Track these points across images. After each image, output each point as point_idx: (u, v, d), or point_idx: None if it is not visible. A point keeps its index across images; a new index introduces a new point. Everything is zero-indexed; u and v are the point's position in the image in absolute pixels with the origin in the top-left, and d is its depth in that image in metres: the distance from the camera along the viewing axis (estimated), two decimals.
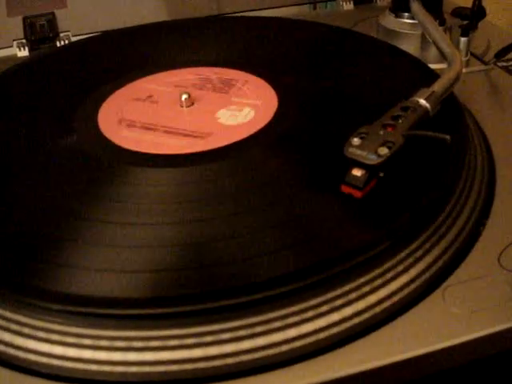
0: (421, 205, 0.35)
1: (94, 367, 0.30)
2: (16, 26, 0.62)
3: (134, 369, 0.30)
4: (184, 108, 0.45)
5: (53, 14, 0.62)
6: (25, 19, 0.62)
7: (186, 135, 0.42)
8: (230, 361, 0.30)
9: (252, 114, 0.44)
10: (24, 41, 0.62)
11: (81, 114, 0.45)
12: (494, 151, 0.44)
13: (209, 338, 0.30)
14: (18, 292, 0.32)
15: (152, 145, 0.41)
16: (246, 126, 0.43)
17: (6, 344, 0.32)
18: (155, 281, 0.32)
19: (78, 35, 0.63)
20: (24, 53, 0.62)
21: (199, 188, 0.37)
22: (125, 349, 0.30)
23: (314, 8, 0.72)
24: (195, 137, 0.42)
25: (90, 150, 0.41)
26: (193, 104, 0.46)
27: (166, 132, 0.43)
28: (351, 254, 0.32)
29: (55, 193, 0.38)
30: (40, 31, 0.62)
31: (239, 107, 0.45)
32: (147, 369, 0.30)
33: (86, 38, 0.60)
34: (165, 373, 0.30)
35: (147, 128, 0.43)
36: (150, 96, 0.47)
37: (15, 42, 0.62)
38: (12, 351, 0.31)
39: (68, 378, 0.30)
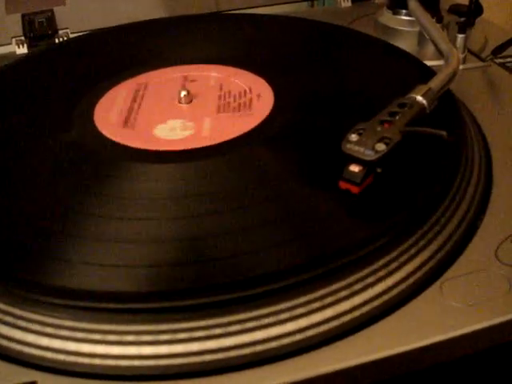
0: (418, 200, 0.35)
1: (94, 361, 0.30)
2: (15, 23, 0.62)
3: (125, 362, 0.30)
4: (183, 104, 0.46)
5: (51, 11, 0.62)
6: (23, 16, 0.62)
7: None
8: (232, 353, 0.30)
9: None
10: (23, 38, 0.62)
11: (78, 111, 0.46)
12: (491, 147, 0.44)
13: (218, 331, 0.31)
14: (14, 286, 0.32)
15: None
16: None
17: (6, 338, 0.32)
18: (155, 275, 0.32)
19: (77, 32, 0.63)
20: (23, 50, 0.62)
21: (196, 184, 0.38)
22: (119, 342, 0.31)
23: (312, 5, 0.72)
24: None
25: (87, 145, 0.42)
26: (191, 101, 0.46)
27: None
28: (348, 250, 0.32)
29: (53, 188, 0.38)
30: (39, 28, 0.62)
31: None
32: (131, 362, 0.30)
33: (84, 35, 0.61)
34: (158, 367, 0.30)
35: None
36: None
37: (14, 40, 0.62)
38: (10, 344, 0.32)
39: (67, 372, 0.31)
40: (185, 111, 0.45)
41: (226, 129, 0.42)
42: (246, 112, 0.44)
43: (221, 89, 0.48)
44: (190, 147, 0.41)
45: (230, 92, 0.47)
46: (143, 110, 0.45)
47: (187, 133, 0.42)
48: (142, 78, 0.50)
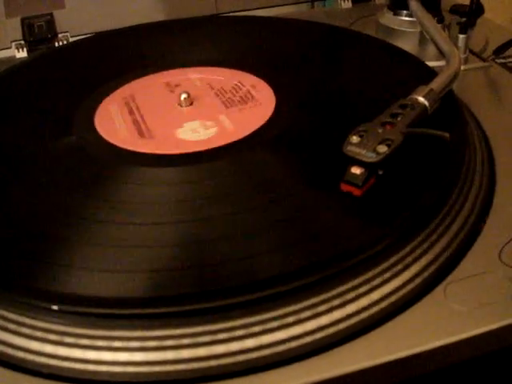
0: (421, 202, 0.35)
1: (96, 367, 0.30)
2: (14, 27, 0.62)
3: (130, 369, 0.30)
4: (183, 108, 0.45)
5: (51, 14, 0.62)
6: (23, 20, 0.62)
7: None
8: (240, 358, 0.30)
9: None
10: (22, 42, 0.62)
11: (79, 116, 0.45)
12: (494, 147, 0.44)
13: (222, 336, 0.30)
14: (16, 292, 0.32)
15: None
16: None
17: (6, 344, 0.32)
18: (156, 280, 0.32)
19: (77, 36, 0.63)
20: (22, 54, 0.62)
21: (198, 188, 0.37)
22: (123, 349, 0.30)
23: (312, 6, 0.72)
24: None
25: (88, 150, 0.42)
26: (192, 104, 0.46)
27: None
28: (351, 253, 0.32)
29: (54, 193, 0.38)
30: (38, 32, 0.62)
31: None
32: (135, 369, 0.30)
33: (84, 38, 0.60)
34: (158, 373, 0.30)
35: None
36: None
37: (13, 44, 0.62)
38: (11, 351, 0.31)
39: (69, 379, 0.30)
40: (194, 113, 0.45)
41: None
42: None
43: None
44: (191, 150, 0.40)
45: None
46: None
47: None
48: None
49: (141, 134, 0.43)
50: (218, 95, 0.47)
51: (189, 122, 0.44)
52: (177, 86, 0.49)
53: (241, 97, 0.46)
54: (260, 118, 0.43)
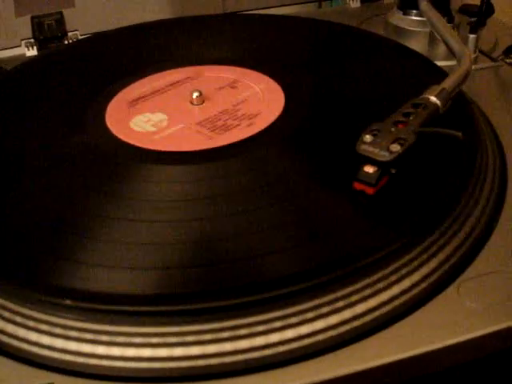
0: (434, 201, 0.35)
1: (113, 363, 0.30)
2: (24, 25, 0.62)
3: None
4: (195, 106, 0.46)
5: (61, 13, 0.62)
6: (33, 19, 0.62)
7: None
8: (244, 356, 0.30)
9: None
10: (32, 40, 0.62)
11: (90, 112, 0.46)
12: (505, 146, 0.44)
13: (225, 334, 0.31)
14: (29, 288, 0.32)
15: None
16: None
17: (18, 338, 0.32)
18: (166, 278, 0.32)
19: (86, 34, 0.63)
20: (32, 52, 0.62)
21: (208, 186, 0.38)
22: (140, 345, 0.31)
23: (320, 6, 0.72)
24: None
25: (100, 147, 0.42)
26: (203, 102, 0.46)
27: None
28: (368, 251, 0.32)
29: (67, 190, 0.39)
30: (48, 30, 0.62)
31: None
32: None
33: (94, 36, 0.61)
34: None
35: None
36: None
37: (23, 42, 0.62)
38: (27, 346, 0.32)
39: (82, 374, 0.31)
40: (206, 111, 0.45)
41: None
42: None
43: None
44: (202, 148, 0.41)
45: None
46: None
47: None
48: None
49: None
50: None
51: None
52: (188, 83, 0.49)
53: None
54: (270, 116, 0.43)
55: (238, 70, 0.50)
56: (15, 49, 0.62)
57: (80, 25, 0.63)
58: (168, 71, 0.51)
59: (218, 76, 0.50)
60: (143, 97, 0.47)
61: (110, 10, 0.64)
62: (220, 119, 0.44)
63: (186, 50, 0.54)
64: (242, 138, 0.41)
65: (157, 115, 0.45)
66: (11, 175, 0.40)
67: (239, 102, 0.46)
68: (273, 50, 0.53)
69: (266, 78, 0.48)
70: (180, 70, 0.51)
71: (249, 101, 0.46)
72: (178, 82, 0.49)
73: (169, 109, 0.46)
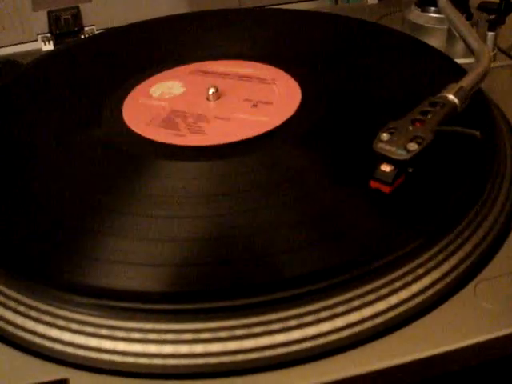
0: (452, 201, 0.35)
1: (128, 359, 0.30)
2: (41, 20, 0.62)
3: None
4: (211, 101, 0.45)
5: (77, 8, 0.63)
6: (49, 13, 0.62)
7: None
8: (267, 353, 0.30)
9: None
10: (49, 35, 0.62)
11: (107, 107, 0.46)
12: None
13: (242, 331, 0.31)
14: (47, 284, 0.32)
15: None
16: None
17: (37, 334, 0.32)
18: (184, 275, 0.32)
19: (103, 29, 0.63)
20: (49, 47, 0.62)
21: (226, 182, 0.38)
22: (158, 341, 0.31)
23: (336, 2, 0.72)
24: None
25: (117, 142, 0.42)
26: (219, 98, 0.46)
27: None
28: (384, 251, 0.32)
29: (85, 185, 0.39)
30: (65, 25, 0.62)
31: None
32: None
33: (111, 30, 0.61)
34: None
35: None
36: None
37: (40, 36, 0.63)
38: (43, 341, 0.32)
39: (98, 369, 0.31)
40: (222, 107, 0.45)
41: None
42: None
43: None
44: (219, 143, 0.41)
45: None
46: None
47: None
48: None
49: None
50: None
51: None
52: (205, 78, 0.49)
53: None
54: (286, 112, 0.43)
55: (259, 65, 0.50)
56: (32, 43, 0.63)
57: (96, 19, 0.63)
58: (186, 65, 0.50)
59: (236, 71, 0.49)
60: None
61: (126, 5, 0.64)
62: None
63: (204, 44, 0.54)
64: (258, 133, 0.41)
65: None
66: (28, 169, 0.41)
67: (256, 98, 0.45)
68: (290, 44, 0.53)
69: (283, 73, 0.48)
70: (197, 64, 0.51)
71: (265, 96, 0.46)
72: (194, 76, 0.49)
73: (185, 103, 0.46)
